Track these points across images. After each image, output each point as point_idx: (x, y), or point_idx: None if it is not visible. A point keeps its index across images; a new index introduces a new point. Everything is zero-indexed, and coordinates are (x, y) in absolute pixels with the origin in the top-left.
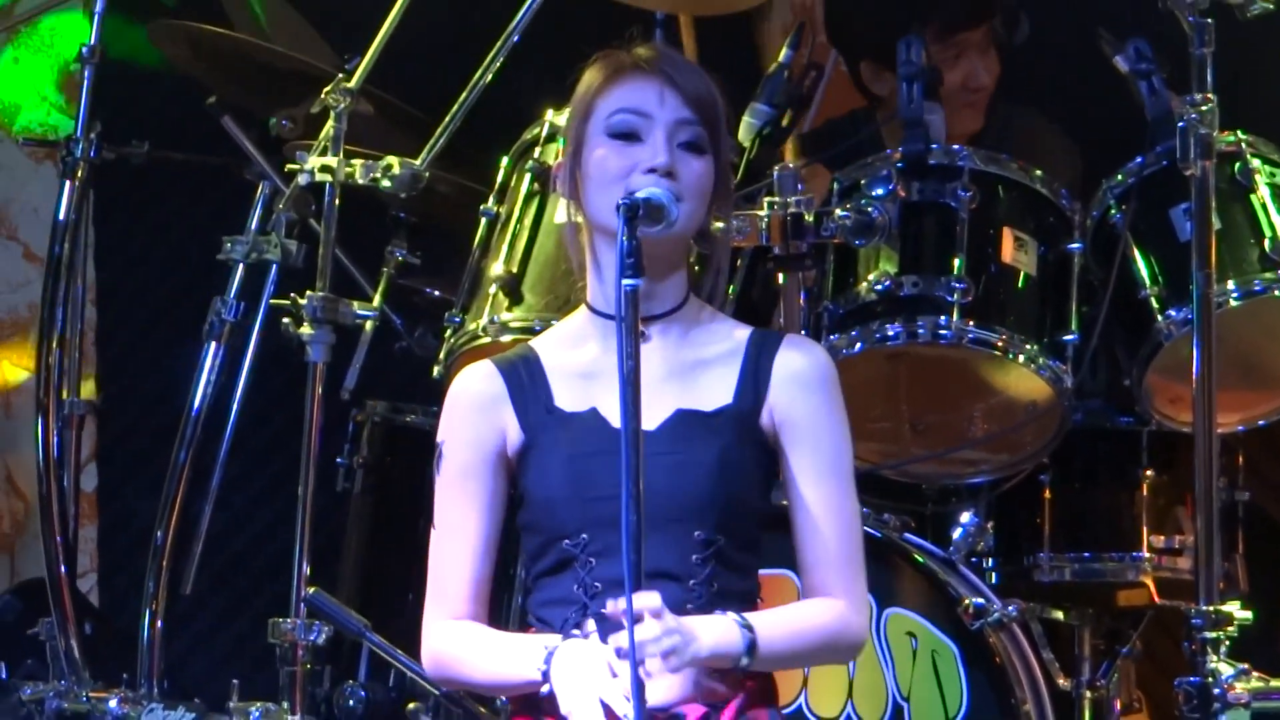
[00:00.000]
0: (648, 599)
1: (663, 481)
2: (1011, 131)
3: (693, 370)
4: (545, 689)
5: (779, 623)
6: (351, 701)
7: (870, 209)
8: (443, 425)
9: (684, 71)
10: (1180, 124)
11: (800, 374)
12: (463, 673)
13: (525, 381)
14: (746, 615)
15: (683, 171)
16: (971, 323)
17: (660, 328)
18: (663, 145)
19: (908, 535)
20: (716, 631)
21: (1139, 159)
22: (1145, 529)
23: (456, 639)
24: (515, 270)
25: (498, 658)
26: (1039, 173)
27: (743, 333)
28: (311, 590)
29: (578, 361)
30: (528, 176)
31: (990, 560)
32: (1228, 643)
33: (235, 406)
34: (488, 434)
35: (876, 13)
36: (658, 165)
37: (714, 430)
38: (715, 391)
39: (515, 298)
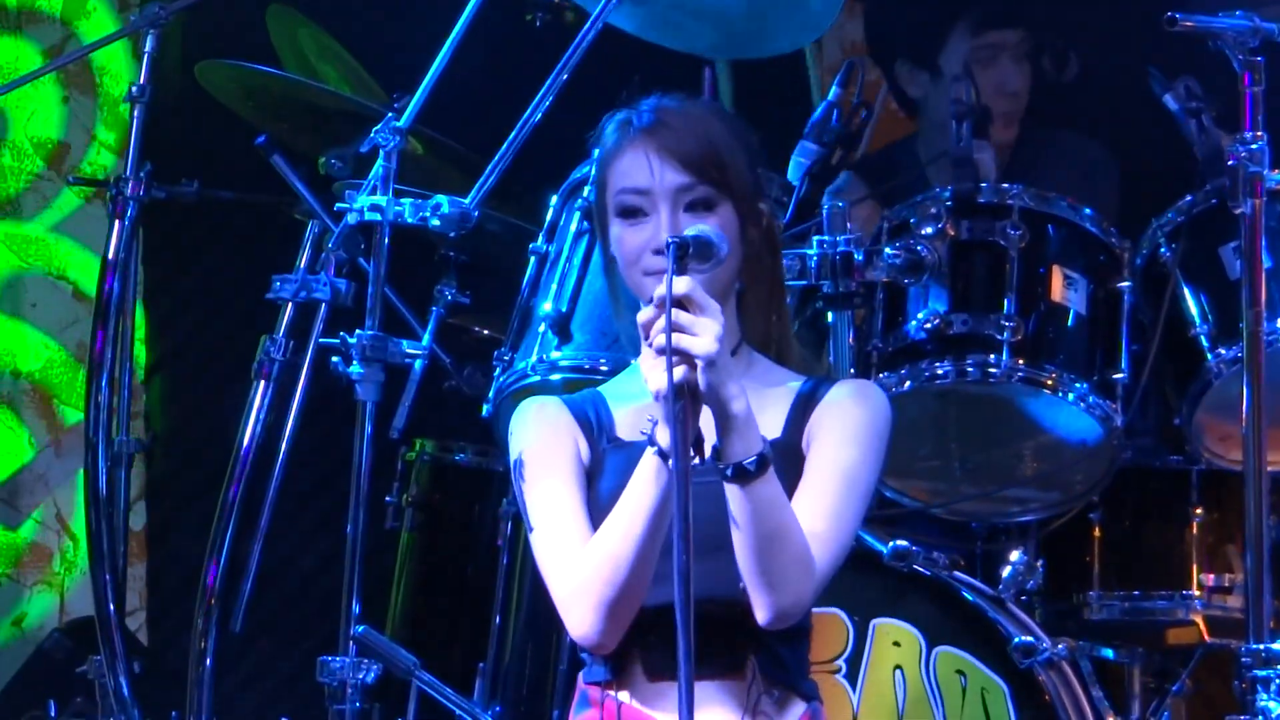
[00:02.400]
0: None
1: (712, 510)
2: (1050, 146)
3: None
4: (659, 448)
5: (782, 492)
6: None
7: (919, 247)
8: (516, 441)
9: (676, 132)
10: (1230, 162)
11: (843, 394)
12: (612, 562)
13: (590, 416)
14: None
15: None
16: (1021, 361)
17: None
18: (666, 221)
19: (957, 574)
20: (754, 416)
21: (1189, 197)
22: (1195, 567)
23: (584, 553)
24: (564, 309)
25: (621, 504)
26: (1089, 211)
27: (796, 379)
28: (361, 628)
29: (639, 401)
30: (577, 215)
31: (1040, 599)
32: (1278, 681)
33: (284, 445)
34: (566, 440)
35: (913, 11)
36: (662, 247)
37: None
38: (764, 426)
39: (564, 336)
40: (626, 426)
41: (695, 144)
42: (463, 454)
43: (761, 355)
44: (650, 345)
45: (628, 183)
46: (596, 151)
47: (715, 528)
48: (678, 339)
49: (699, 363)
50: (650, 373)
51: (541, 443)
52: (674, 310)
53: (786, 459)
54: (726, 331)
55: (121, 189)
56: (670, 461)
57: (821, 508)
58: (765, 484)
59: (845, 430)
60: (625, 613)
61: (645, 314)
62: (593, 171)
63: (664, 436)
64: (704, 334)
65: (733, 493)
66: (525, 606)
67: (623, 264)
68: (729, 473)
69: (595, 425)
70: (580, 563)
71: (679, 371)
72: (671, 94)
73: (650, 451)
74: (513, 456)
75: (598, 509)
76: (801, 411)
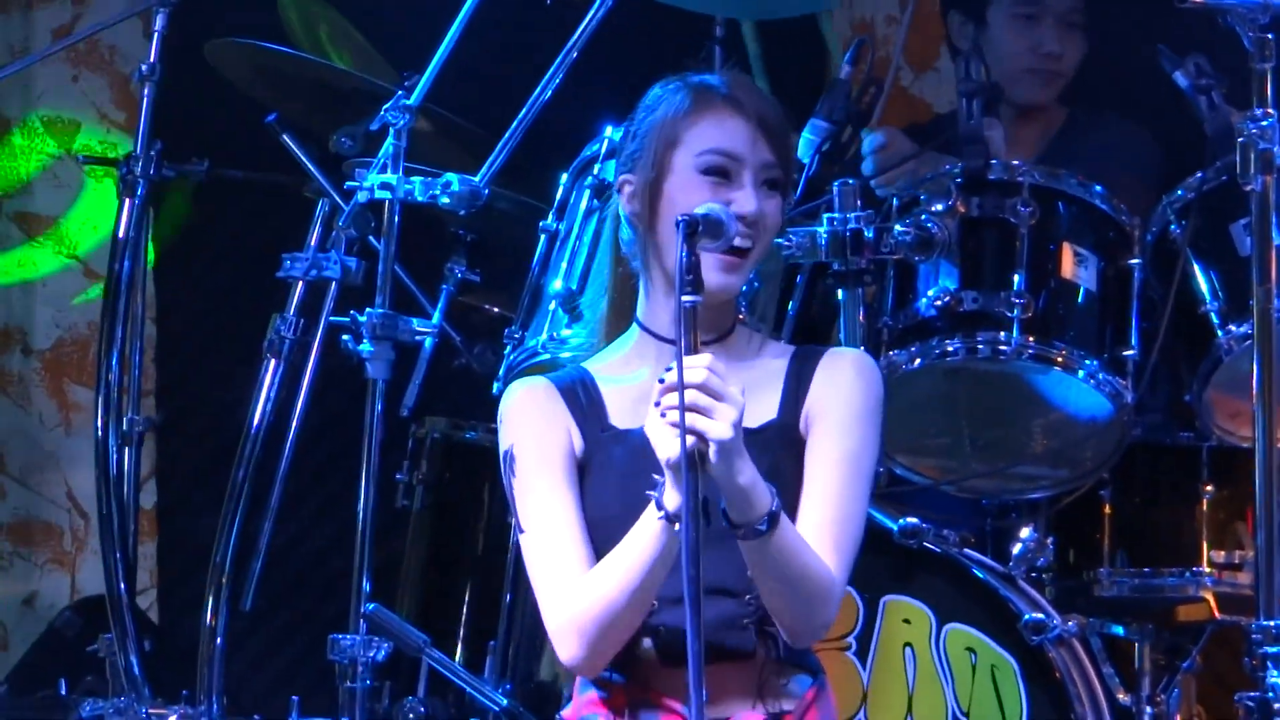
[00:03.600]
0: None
1: (718, 499)
2: (1096, 129)
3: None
4: (665, 512)
5: (795, 532)
6: (411, 717)
7: (929, 225)
8: (506, 433)
9: (769, 111)
10: (1240, 139)
11: (836, 372)
12: (607, 606)
13: (581, 398)
14: None
15: (765, 212)
16: (1031, 338)
17: (710, 352)
18: (752, 193)
19: (967, 551)
20: (759, 479)
21: (1199, 174)
22: (1205, 544)
23: (579, 588)
24: (574, 287)
25: (621, 553)
26: (1099, 188)
27: (784, 352)
28: (371, 606)
29: (631, 382)
30: (587, 193)
31: (1050, 575)
32: None
33: (295, 423)
34: (557, 431)
35: None
36: (747, 214)
37: (762, 446)
38: (762, 408)
39: (574, 314)
40: (619, 411)
41: (780, 125)
42: (473, 432)
43: (752, 332)
44: (663, 415)
45: (724, 144)
46: (653, 111)
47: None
48: (694, 420)
49: (712, 445)
50: (660, 440)
51: (533, 438)
52: (693, 393)
53: (783, 438)
54: (725, 312)
55: (132, 167)
56: (677, 526)
57: (832, 508)
58: (779, 536)
59: (844, 416)
60: (615, 647)
61: (666, 383)
62: (653, 128)
63: (671, 501)
64: (722, 419)
65: (747, 547)
66: None
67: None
68: (741, 534)
69: (586, 409)
70: (574, 598)
71: (689, 440)
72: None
73: (655, 513)
74: (503, 447)
75: (595, 502)
76: (795, 388)
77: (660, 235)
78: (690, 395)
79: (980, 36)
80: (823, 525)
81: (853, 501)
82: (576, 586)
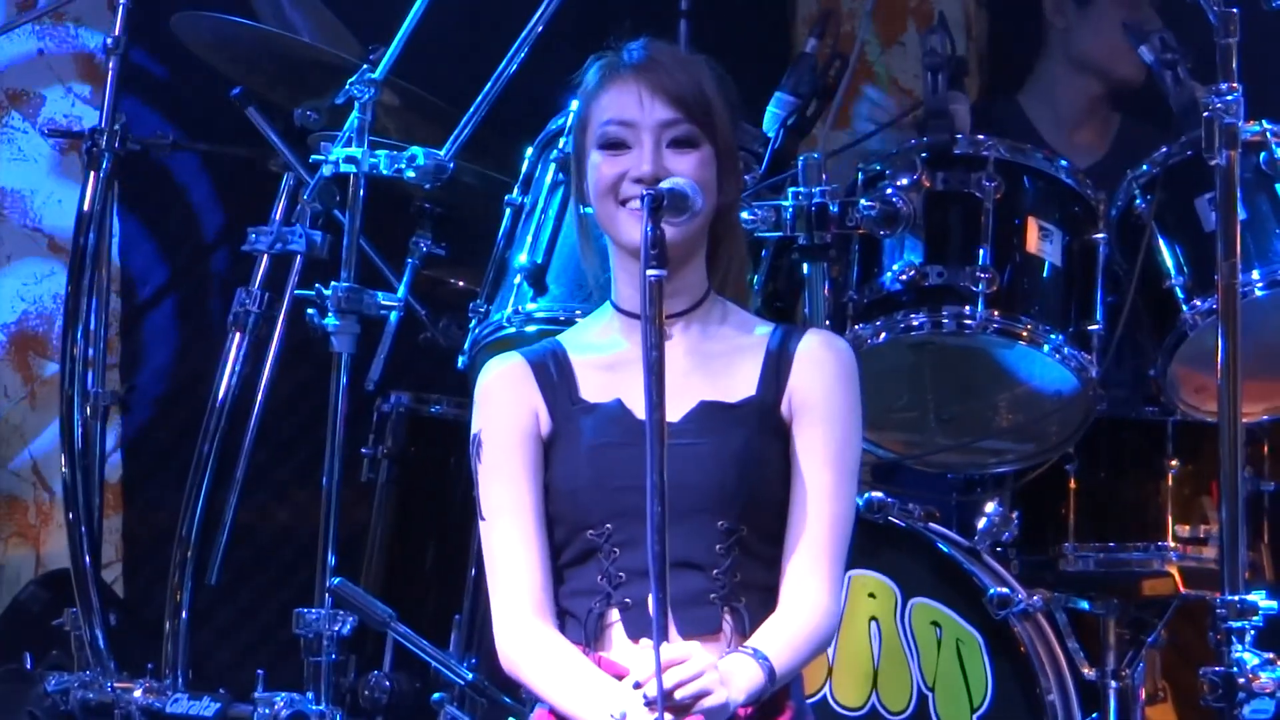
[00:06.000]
0: (682, 653)
1: (686, 472)
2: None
3: (716, 363)
4: None
5: (785, 642)
6: (377, 691)
7: (895, 199)
8: (477, 415)
9: (667, 69)
10: (1205, 114)
11: (819, 361)
12: (533, 687)
13: (552, 372)
14: (755, 645)
15: (673, 171)
16: (996, 313)
17: (682, 325)
18: (649, 153)
19: (933, 525)
20: (744, 676)
21: (1164, 149)
22: (1170, 519)
23: (530, 654)
24: (540, 260)
25: (569, 695)
26: (1064, 162)
27: (765, 327)
28: (337, 581)
29: (603, 355)
30: (552, 166)
31: (1015, 550)
32: (1253, 632)
33: (260, 397)
34: (524, 415)
35: None
36: (643, 175)
37: (737, 421)
38: (739, 384)
39: (539, 288)
40: (590, 384)
41: (685, 81)
42: (438, 406)
43: (725, 301)
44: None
45: (614, 115)
46: (576, 102)
47: (688, 492)
48: (701, 705)
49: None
50: None
51: (500, 428)
52: (684, 687)
53: (762, 417)
54: (695, 282)
55: (97, 141)
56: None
57: (825, 512)
58: (782, 670)
59: (829, 410)
60: None
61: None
62: (573, 114)
63: None
64: (715, 685)
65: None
66: None
67: (596, 194)
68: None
69: (556, 384)
70: (519, 640)
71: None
72: (659, 39)
73: None
74: (473, 428)
75: (565, 472)
76: (775, 369)
77: (599, 216)
78: (676, 695)
79: (1082, 18)
80: (817, 531)
81: (847, 498)
82: (527, 633)
